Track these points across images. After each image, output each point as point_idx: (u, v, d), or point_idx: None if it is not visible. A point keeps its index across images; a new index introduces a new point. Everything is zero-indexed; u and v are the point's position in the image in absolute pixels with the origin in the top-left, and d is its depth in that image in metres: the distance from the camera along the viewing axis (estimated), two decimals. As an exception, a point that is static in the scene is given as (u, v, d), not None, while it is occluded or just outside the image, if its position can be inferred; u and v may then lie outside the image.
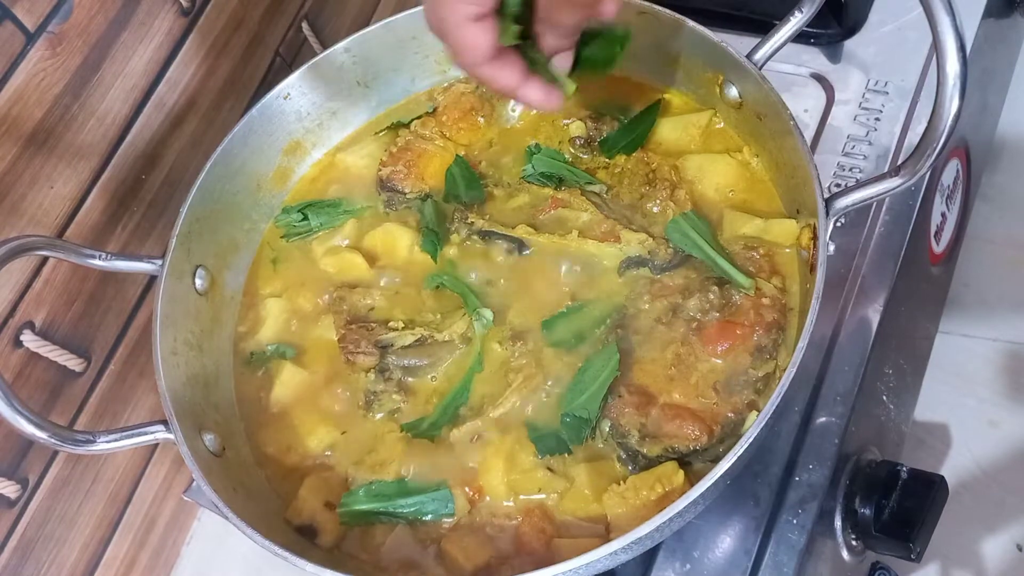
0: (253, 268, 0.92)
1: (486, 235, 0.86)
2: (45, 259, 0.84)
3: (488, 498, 0.75)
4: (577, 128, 0.91)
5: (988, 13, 1.02)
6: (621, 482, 0.72)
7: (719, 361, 0.76)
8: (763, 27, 0.82)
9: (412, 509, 0.76)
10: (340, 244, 0.91)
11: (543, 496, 0.74)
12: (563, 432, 0.75)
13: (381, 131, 0.97)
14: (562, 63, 0.71)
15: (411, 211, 0.91)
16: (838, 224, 0.72)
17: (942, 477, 0.83)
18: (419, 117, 0.96)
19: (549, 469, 0.75)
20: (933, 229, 1.01)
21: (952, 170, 1.05)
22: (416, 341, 0.82)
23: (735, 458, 0.64)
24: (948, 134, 0.64)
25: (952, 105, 0.63)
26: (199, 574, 1.05)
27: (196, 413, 0.78)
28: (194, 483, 0.97)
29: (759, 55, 0.78)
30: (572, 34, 0.69)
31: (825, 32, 1.02)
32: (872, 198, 0.71)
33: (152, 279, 0.80)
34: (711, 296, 0.77)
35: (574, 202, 0.86)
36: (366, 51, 0.93)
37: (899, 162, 0.70)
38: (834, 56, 1.02)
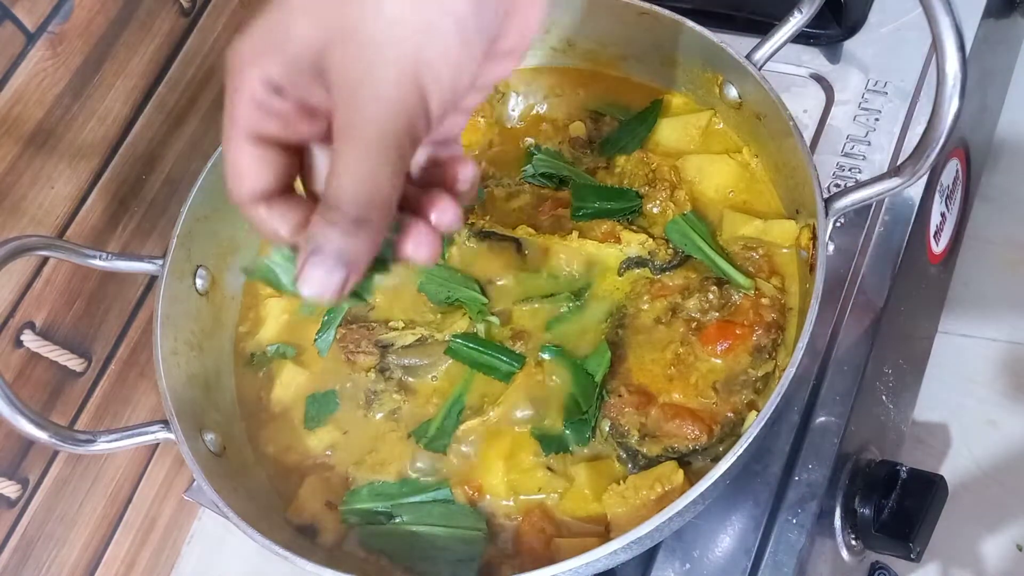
0: (254, 268, 0.92)
1: (486, 235, 0.87)
2: (46, 259, 0.84)
3: (488, 497, 0.76)
4: (577, 128, 0.91)
5: (988, 13, 1.02)
6: (621, 482, 0.72)
7: (719, 361, 0.76)
8: (763, 27, 0.82)
9: (413, 508, 0.76)
10: (340, 244, 0.91)
11: (543, 496, 0.74)
12: (567, 432, 0.75)
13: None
14: (447, 218, 0.49)
15: (411, 211, 0.91)
16: (837, 224, 0.72)
17: (942, 477, 0.83)
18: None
19: (549, 469, 0.75)
20: (933, 229, 1.01)
21: (952, 170, 1.05)
22: (417, 341, 0.82)
23: (735, 458, 0.64)
24: (948, 134, 0.64)
25: (952, 105, 0.63)
26: (200, 574, 1.05)
27: (197, 413, 0.78)
28: (195, 483, 0.97)
29: (759, 55, 0.78)
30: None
31: (825, 32, 1.02)
32: (871, 198, 0.71)
33: (153, 279, 0.80)
34: (711, 296, 0.78)
35: (574, 202, 0.86)
36: (366, 51, 0.93)
37: (899, 162, 0.70)
38: (834, 56, 1.02)
